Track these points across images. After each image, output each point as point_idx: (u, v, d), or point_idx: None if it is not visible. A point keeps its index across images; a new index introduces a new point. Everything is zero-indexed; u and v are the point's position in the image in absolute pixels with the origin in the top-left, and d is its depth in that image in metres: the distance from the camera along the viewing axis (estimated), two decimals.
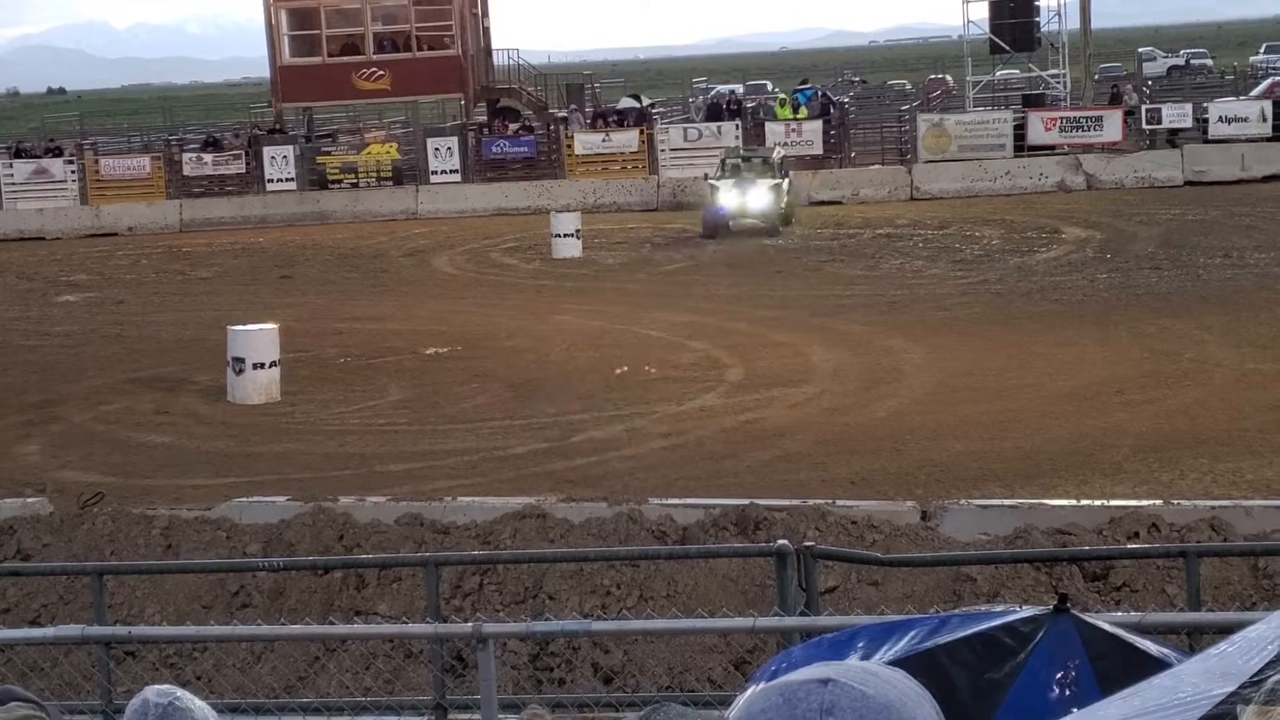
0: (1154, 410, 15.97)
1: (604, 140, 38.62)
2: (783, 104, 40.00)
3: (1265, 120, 36.07)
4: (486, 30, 45.64)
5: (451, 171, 38.71)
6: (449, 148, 38.97)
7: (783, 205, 31.73)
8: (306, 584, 10.89)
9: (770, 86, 64.01)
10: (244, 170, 39.43)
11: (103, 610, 8.43)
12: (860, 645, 3.26)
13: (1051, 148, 36.72)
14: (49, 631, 8.13)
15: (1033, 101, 39.89)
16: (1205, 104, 37.76)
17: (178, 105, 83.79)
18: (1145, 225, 29.79)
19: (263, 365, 18.79)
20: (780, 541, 8.22)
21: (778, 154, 34.07)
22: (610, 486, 13.67)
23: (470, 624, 7.02)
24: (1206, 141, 36.26)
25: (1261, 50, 70.33)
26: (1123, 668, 2.96)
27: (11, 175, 39.89)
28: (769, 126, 37.97)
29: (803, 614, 7.47)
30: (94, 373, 21.13)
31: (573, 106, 43.95)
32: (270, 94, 45.09)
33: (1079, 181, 35.81)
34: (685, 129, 39.38)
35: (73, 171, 39.85)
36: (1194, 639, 6.62)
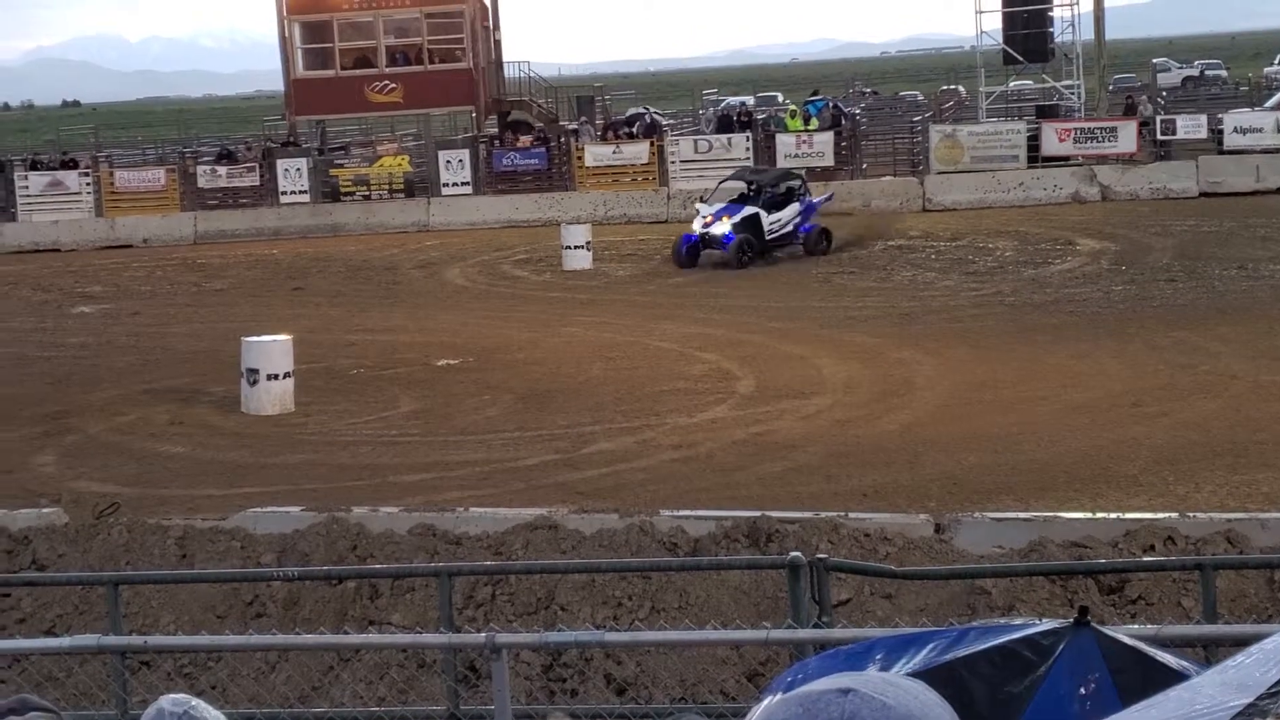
0: (1169, 422, 15.94)
1: (614, 152, 38.67)
2: (793, 115, 40.03)
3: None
4: (498, 43, 45.77)
5: (463, 184, 38.81)
6: (460, 160, 39.08)
7: (775, 235, 29.69)
8: (320, 594, 10.90)
9: (781, 98, 64.05)
10: (258, 183, 39.56)
11: (118, 620, 8.44)
12: (878, 657, 3.26)
13: (1066, 159, 36.68)
14: (65, 641, 8.15)
15: (1046, 112, 39.84)
16: (1220, 115, 37.71)
17: (192, 118, 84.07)
18: (1160, 237, 29.74)
19: (276, 376, 18.84)
20: (793, 553, 8.21)
21: (780, 179, 31.42)
22: (622, 498, 13.67)
23: (484, 634, 7.03)
24: (1221, 153, 36.22)
25: (1275, 62, 70.28)
26: (1143, 681, 2.95)
27: (27, 187, 40.02)
28: (780, 138, 38.00)
29: (816, 626, 7.46)
30: (109, 384, 21.19)
31: (583, 119, 44.04)
32: (284, 107, 45.23)
33: (1093, 193, 35.77)
34: (696, 141, 39.42)
35: (88, 184, 39.99)
36: (1210, 652, 6.60)
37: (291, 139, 42.84)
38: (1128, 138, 36.52)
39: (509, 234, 35.82)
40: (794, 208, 30.41)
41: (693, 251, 29.25)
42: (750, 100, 60.55)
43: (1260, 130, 36.28)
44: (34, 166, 41.49)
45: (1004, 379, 18.55)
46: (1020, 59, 41.09)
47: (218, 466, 16.40)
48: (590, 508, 12.47)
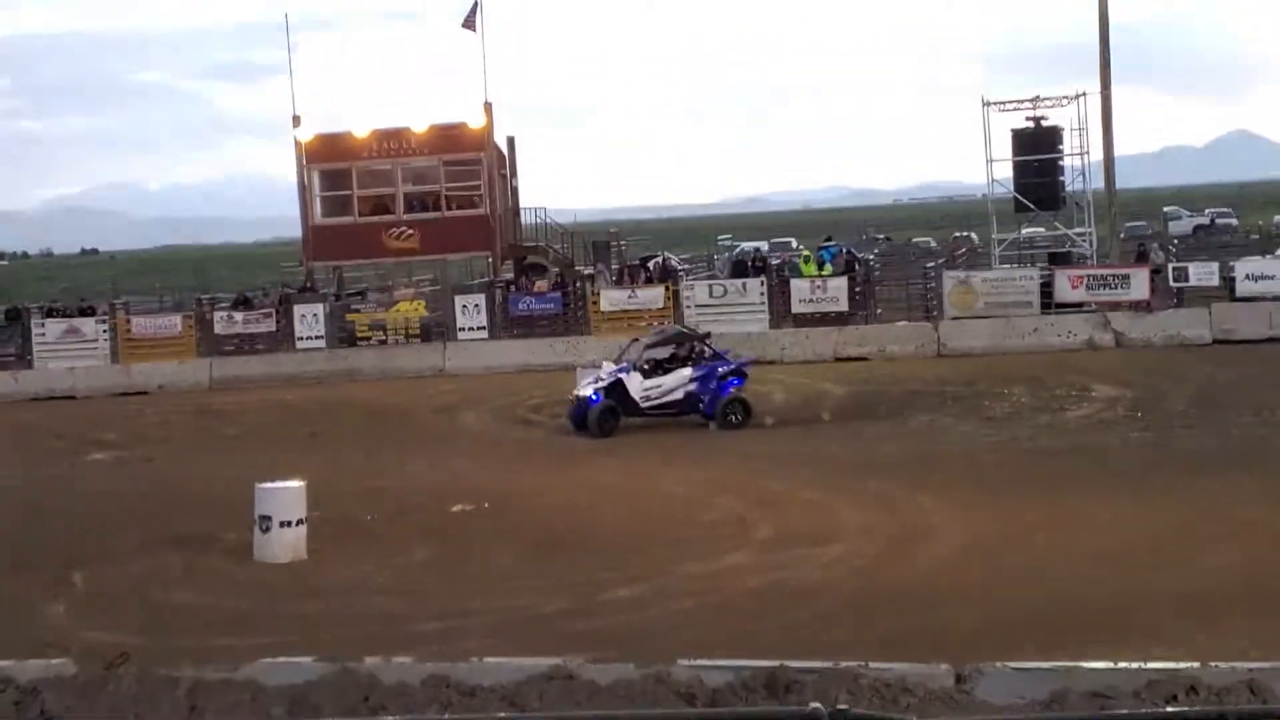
0: (1191, 570, 15.77)
1: (630, 297, 38.95)
2: (807, 261, 40.36)
3: None
4: (514, 189, 46.38)
5: (479, 328, 39.06)
6: (476, 305, 39.38)
7: (653, 402, 27.92)
8: None
9: (795, 244, 64.65)
10: (274, 328, 39.85)
11: None
12: None
13: (1079, 305, 36.85)
14: None
15: (1059, 259, 40.13)
16: (1232, 263, 37.93)
17: (210, 264, 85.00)
18: (1176, 384, 29.73)
19: (289, 523, 18.75)
20: (813, 704, 8.04)
21: (667, 341, 29.09)
22: (637, 647, 13.49)
23: None
24: (1234, 299, 36.36)
25: None
26: None
27: (44, 335, 40.34)
28: (794, 283, 38.27)
29: None
30: (122, 531, 21.09)
31: (599, 264, 44.44)
32: (301, 252, 45.72)
33: (1107, 339, 35.87)
34: (710, 285, 39.72)
35: (104, 330, 40.31)
36: None
37: (309, 284, 43.22)
38: (1140, 284, 36.71)
39: (525, 379, 35.93)
40: (683, 373, 28.11)
41: (583, 414, 27.76)
42: (764, 245, 61.14)
43: (1272, 277, 36.47)
44: (50, 314, 41.87)
45: (1022, 526, 18.41)
46: (1032, 207, 41.49)
47: (229, 616, 16.25)
48: (606, 657, 12.30)
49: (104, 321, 40.69)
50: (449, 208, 42.66)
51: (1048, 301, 36.80)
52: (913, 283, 41.62)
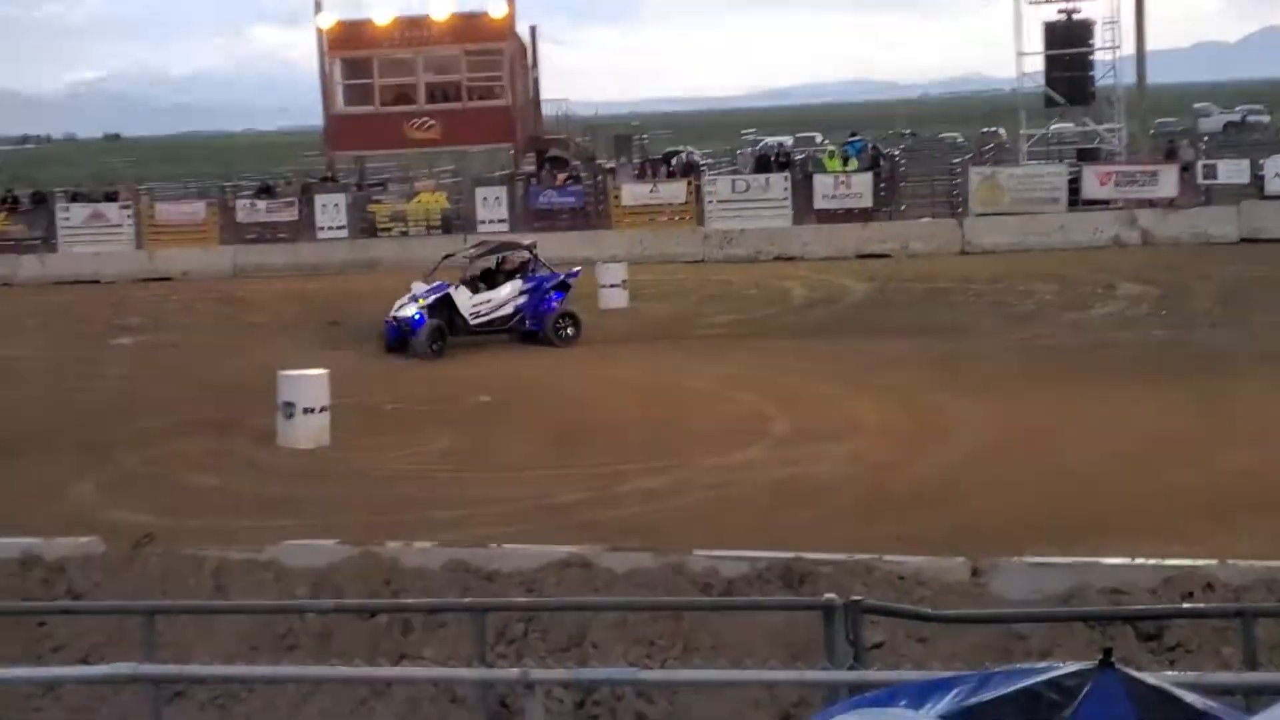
0: (1211, 469, 15.79)
1: (651, 191, 38.77)
2: (832, 156, 40.07)
3: None
4: (536, 81, 46.05)
5: (499, 221, 38.94)
6: (497, 197, 39.25)
7: (484, 318, 26.14)
8: (353, 628, 10.89)
9: (819, 139, 64.16)
10: (296, 217, 39.81)
11: (153, 650, 8.45)
12: (902, 703, 3.23)
13: (1106, 202, 36.58)
14: (101, 670, 8.17)
15: (1087, 156, 39.77)
16: (1262, 160, 37.53)
17: (231, 151, 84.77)
18: (1201, 282, 29.58)
19: (313, 410, 18.90)
20: (827, 595, 8.17)
21: (492, 251, 27.60)
22: (655, 537, 13.60)
23: (517, 670, 7.01)
24: (1263, 198, 36.03)
25: None
26: None
27: (69, 219, 40.40)
28: (817, 178, 38.03)
29: (850, 669, 7.41)
30: (146, 415, 21.29)
31: (621, 157, 44.21)
32: (322, 142, 45.57)
33: (1134, 237, 35.65)
34: (734, 180, 39.49)
35: (129, 216, 40.34)
36: (1252, 700, 6.52)
37: (330, 174, 43.12)
38: (1169, 182, 36.41)
39: None
40: (513, 285, 26.45)
41: (400, 336, 25.75)
42: (788, 140, 60.70)
43: None
44: (75, 198, 41.89)
45: (1043, 423, 18.44)
46: (1062, 102, 41.07)
47: (253, 499, 16.44)
48: (624, 546, 12.43)
49: (128, 207, 40.71)
50: (470, 98, 42.42)
51: (1075, 198, 36.55)
52: (938, 179, 41.29)
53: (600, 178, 40.47)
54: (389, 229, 39.27)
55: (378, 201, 40.30)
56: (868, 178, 37.95)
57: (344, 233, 39.27)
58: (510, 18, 42.07)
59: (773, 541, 13.15)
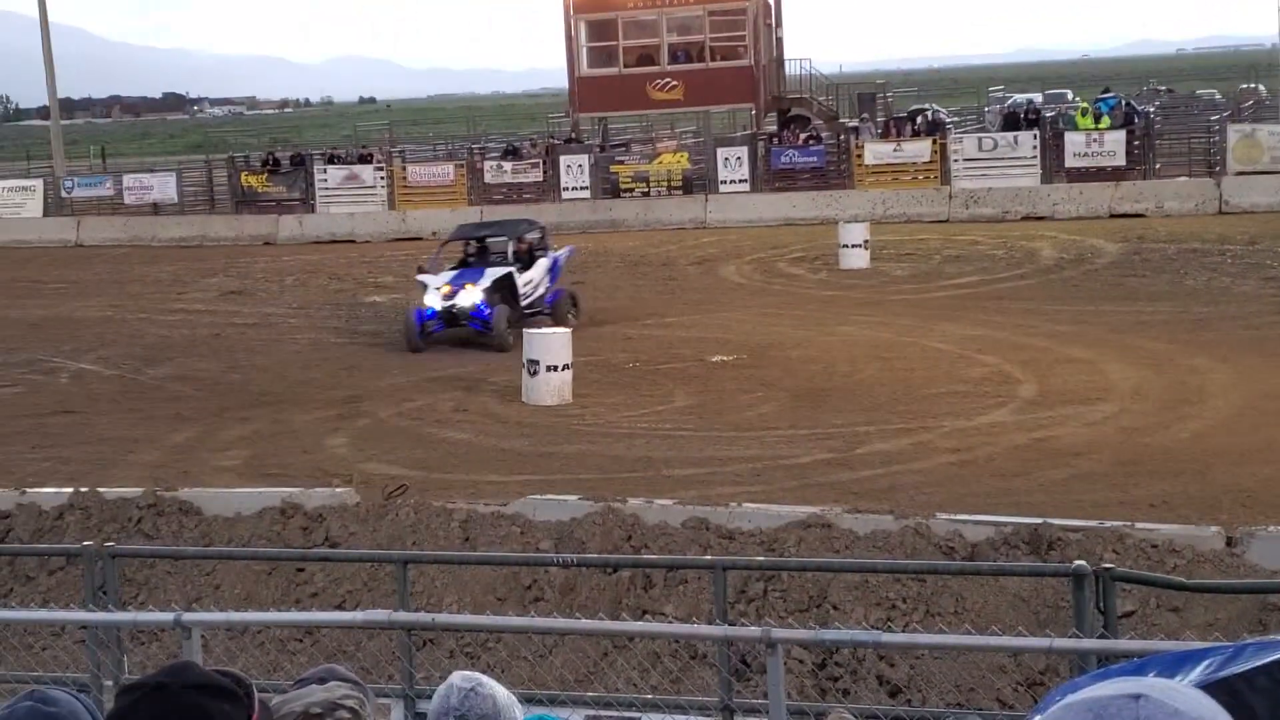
0: None
1: (895, 150, 38.23)
2: (1084, 114, 38.88)
3: None
4: (779, 40, 45.77)
5: (740, 181, 38.93)
6: (738, 157, 39.21)
7: (529, 300, 24.11)
8: (596, 581, 11.10)
9: (1070, 96, 62.35)
10: (541, 178, 40.47)
11: (406, 597, 8.75)
12: (1152, 674, 3.14)
13: None
14: (358, 615, 8.49)
15: None
16: None
17: (480, 115, 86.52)
18: None
19: (556, 368, 19.26)
20: (1077, 562, 8.00)
21: (519, 229, 25.25)
22: (896, 500, 13.51)
23: (759, 628, 7.05)
24: None
25: None
26: None
27: (325, 180, 41.84)
28: (1068, 136, 37.00)
29: (1100, 638, 7.25)
30: (398, 370, 21.97)
31: (864, 116, 43.69)
32: (568, 104, 46.17)
33: None
34: (980, 139, 38.67)
35: (381, 178, 41.57)
36: None
37: (574, 136, 43.69)
38: None
39: (785, 232, 35.79)
40: (543, 264, 24.74)
41: (428, 331, 23.26)
42: (1038, 98, 59.13)
43: None
44: (332, 160, 43.33)
45: None
46: None
47: (499, 453, 16.84)
48: (865, 508, 12.37)
49: (381, 169, 41.94)
50: (713, 59, 42.44)
51: None
52: (1195, 136, 39.75)
53: (842, 137, 40.07)
54: (631, 189, 39.64)
55: (620, 162, 40.68)
56: (1121, 135, 36.75)
57: (587, 193, 39.78)
58: None
59: (1018, 506, 12.94)
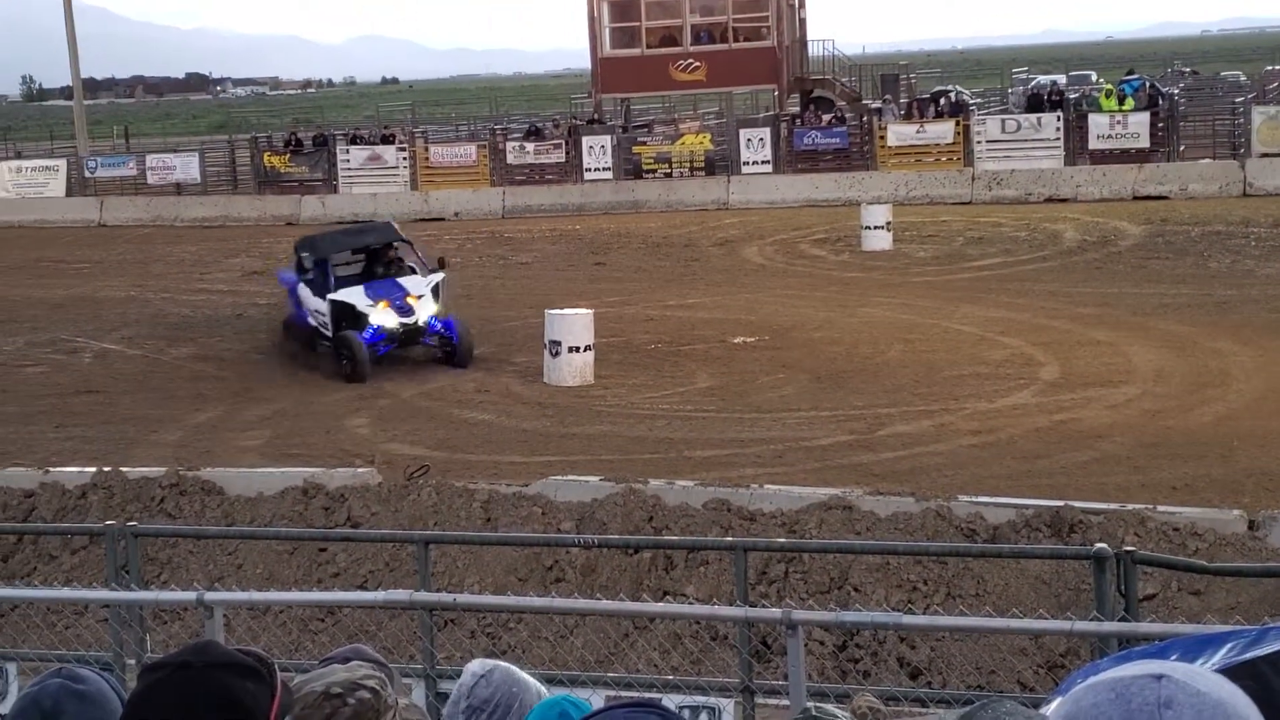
0: None
1: (918, 132, 38.09)
2: (1108, 95, 38.68)
3: None
4: (802, 21, 45.62)
5: (763, 162, 38.84)
6: (761, 139, 39.12)
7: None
8: (617, 562, 11.12)
9: (1094, 77, 62.04)
10: (563, 159, 40.44)
11: (427, 577, 8.77)
12: (1173, 658, 3.14)
13: None
14: (379, 595, 8.51)
15: None
16: None
17: (502, 95, 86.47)
18: None
19: (578, 349, 19.27)
20: (1099, 545, 7.99)
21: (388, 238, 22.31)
22: (918, 482, 13.50)
23: (780, 610, 7.06)
24: None
25: None
26: None
27: (348, 161, 41.88)
28: (1092, 118, 36.81)
29: (1122, 621, 7.24)
30: (418, 351, 21.99)
31: (887, 97, 43.53)
32: (590, 85, 46.11)
33: None
34: (1004, 120, 38.49)
35: (404, 158, 41.59)
36: None
37: (597, 117, 43.64)
38: None
39: (808, 213, 35.71)
40: (433, 281, 21.23)
41: (375, 353, 20.37)
42: (1062, 79, 58.83)
43: None
44: (354, 141, 43.36)
45: None
46: None
47: (520, 434, 16.87)
48: (886, 490, 12.37)
49: (404, 149, 41.96)
50: (736, 39, 42.32)
51: None
52: (1219, 118, 39.51)
53: (865, 118, 39.94)
54: (653, 170, 39.58)
55: (643, 143, 40.63)
56: (1145, 117, 36.55)
57: (609, 174, 39.75)
58: None
59: (1039, 489, 12.92)
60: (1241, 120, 36.91)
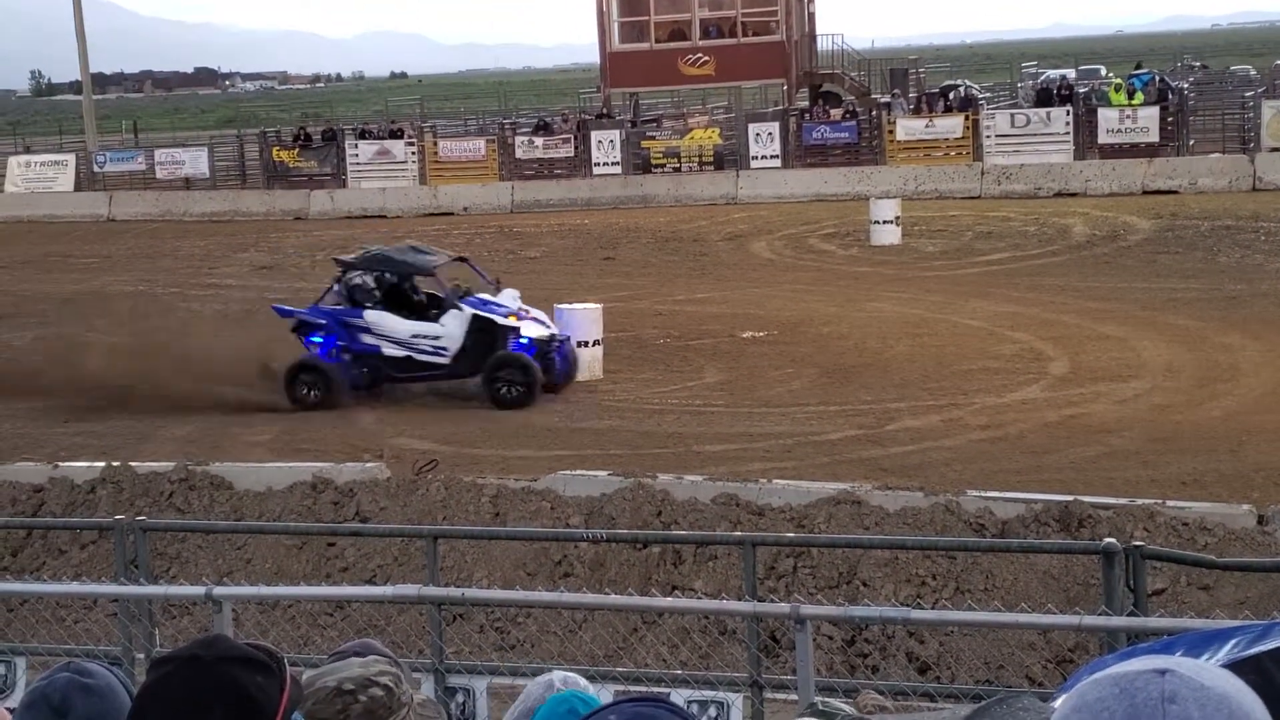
0: None
1: (927, 126, 38.05)
2: (1117, 89, 38.61)
3: None
4: (811, 16, 45.60)
5: (772, 157, 38.81)
6: (770, 133, 39.08)
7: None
8: (625, 557, 11.12)
9: (1104, 71, 61.94)
10: (572, 154, 40.43)
11: (436, 572, 8.78)
12: (1178, 654, 3.14)
13: None
14: (388, 590, 8.52)
15: None
16: None
17: (511, 90, 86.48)
18: None
19: (587, 344, 19.27)
20: (1107, 540, 7.98)
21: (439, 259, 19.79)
22: (926, 476, 13.50)
23: (788, 605, 7.06)
24: None
25: None
26: None
27: (357, 155, 41.89)
28: (1101, 113, 36.75)
29: (1130, 615, 7.24)
30: None
31: (896, 92, 43.49)
32: (599, 79, 46.10)
33: None
34: (1013, 115, 38.44)
35: (413, 153, 41.59)
36: None
37: (605, 111, 43.63)
38: None
39: (816, 208, 35.67)
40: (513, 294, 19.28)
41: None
42: (1071, 73, 58.76)
43: None
44: (363, 136, 43.37)
45: None
46: None
47: (529, 429, 16.88)
48: (895, 485, 12.36)
49: (412, 144, 41.95)
50: (745, 34, 42.28)
51: None
52: (1229, 113, 39.41)
53: (875, 113, 39.89)
54: (662, 165, 39.57)
55: (651, 138, 40.61)
56: (1154, 112, 36.49)
57: (618, 169, 39.73)
58: None
59: (1048, 483, 12.91)
60: (1251, 115, 36.82)
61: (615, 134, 40.24)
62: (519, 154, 40.83)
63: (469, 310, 18.38)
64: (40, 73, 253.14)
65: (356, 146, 42.16)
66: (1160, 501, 11.18)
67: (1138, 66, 46.89)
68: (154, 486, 13.39)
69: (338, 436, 16.71)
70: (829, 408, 17.16)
